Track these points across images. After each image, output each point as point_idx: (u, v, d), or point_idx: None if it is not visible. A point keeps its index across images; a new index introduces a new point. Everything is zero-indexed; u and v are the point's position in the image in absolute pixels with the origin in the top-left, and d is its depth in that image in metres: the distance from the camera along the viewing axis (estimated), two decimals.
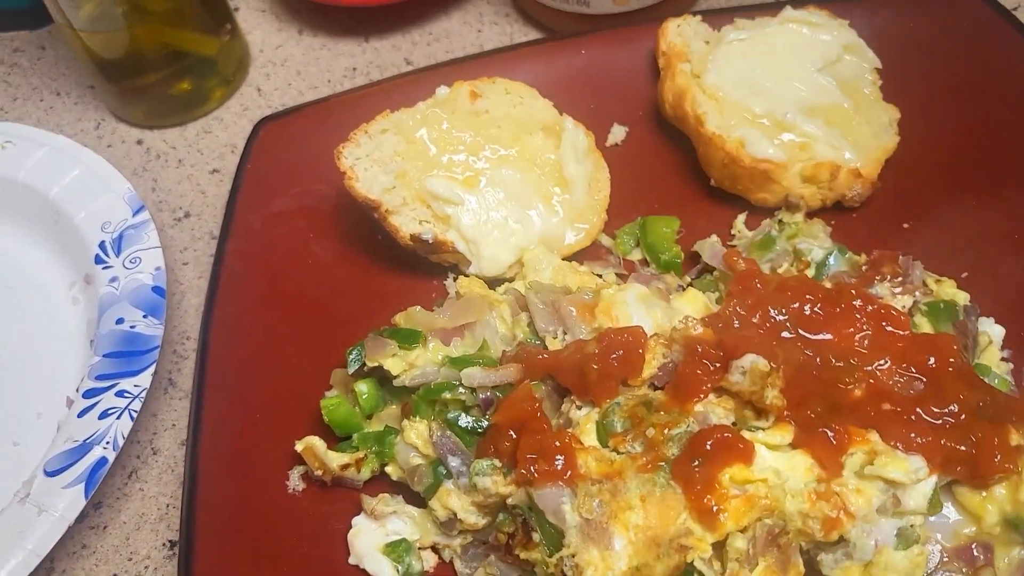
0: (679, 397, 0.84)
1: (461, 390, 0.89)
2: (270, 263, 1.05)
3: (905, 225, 1.03)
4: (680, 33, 1.12)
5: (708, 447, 0.78)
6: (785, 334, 0.87)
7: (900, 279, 0.91)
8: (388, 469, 0.92)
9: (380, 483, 0.93)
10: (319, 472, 0.91)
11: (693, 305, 0.93)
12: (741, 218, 1.06)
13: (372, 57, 1.34)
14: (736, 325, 0.88)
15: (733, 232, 1.06)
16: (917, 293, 0.91)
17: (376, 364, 0.92)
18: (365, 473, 0.92)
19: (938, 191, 1.04)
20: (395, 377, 0.91)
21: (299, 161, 1.11)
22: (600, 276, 1.02)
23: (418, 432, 0.89)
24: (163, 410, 1.07)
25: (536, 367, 0.88)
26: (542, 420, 0.85)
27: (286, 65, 1.35)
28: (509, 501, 0.83)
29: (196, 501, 0.90)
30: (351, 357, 0.93)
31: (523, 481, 0.82)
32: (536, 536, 0.81)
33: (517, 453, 0.83)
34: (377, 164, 1.00)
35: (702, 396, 0.83)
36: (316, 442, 0.91)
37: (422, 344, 0.92)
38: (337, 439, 0.94)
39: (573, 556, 0.78)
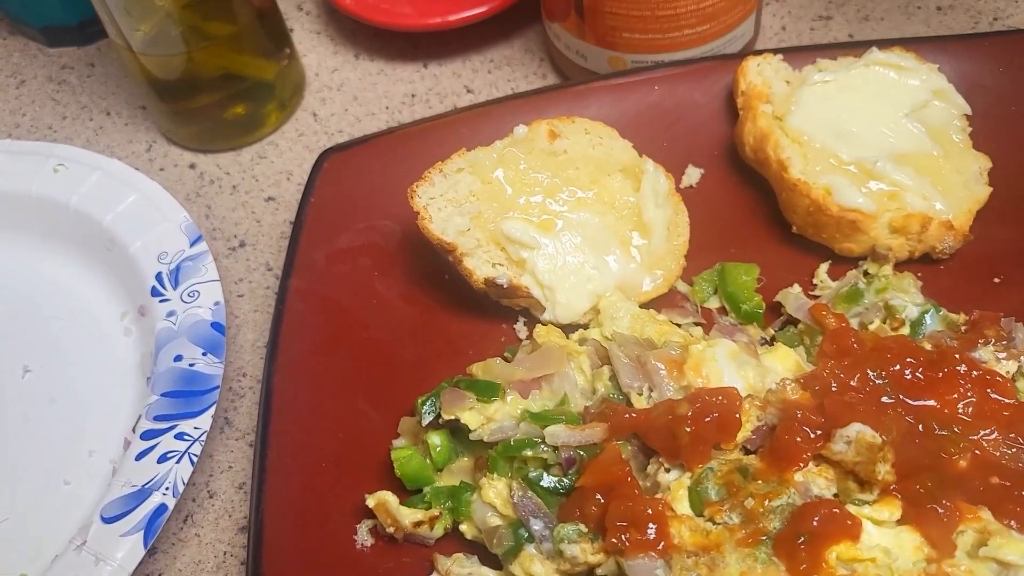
0: (777, 465, 0.80)
1: (543, 448, 0.85)
2: (334, 302, 1.02)
3: (996, 280, 0.99)
4: (760, 72, 1.08)
5: (815, 523, 0.74)
6: (885, 399, 0.83)
7: (1004, 343, 0.88)
8: (462, 528, 0.88)
9: (452, 541, 0.89)
10: (391, 528, 0.87)
11: (784, 363, 0.89)
12: (824, 267, 1.02)
13: (431, 84, 1.30)
14: (834, 388, 0.84)
15: (815, 282, 1.02)
16: (1022, 359, 0.87)
17: (452, 417, 0.88)
18: (438, 530, 0.88)
19: None
20: (472, 431, 0.88)
21: (364, 195, 1.08)
22: (679, 325, 0.98)
23: (497, 491, 0.85)
24: (219, 451, 1.03)
25: (623, 426, 0.84)
26: (632, 485, 0.81)
27: (342, 90, 1.31)
28: (598, 572, 0.79)
29: (263, 556, 0.86)
30: (424, 408, 0.90)
31: (613, 550, 0.78)
32: None
33: (606, 519, 0.79)
34: (452, 204, 0.97)
35: (802, 465, 0.79)
36: (389, 497, 0.87)
37: (500, 397, 0.89)
38: (406, 491, 0.91)
39: None
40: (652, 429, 0.83)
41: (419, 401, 0.91)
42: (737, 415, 0.81)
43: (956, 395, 0.83)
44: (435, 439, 0.90)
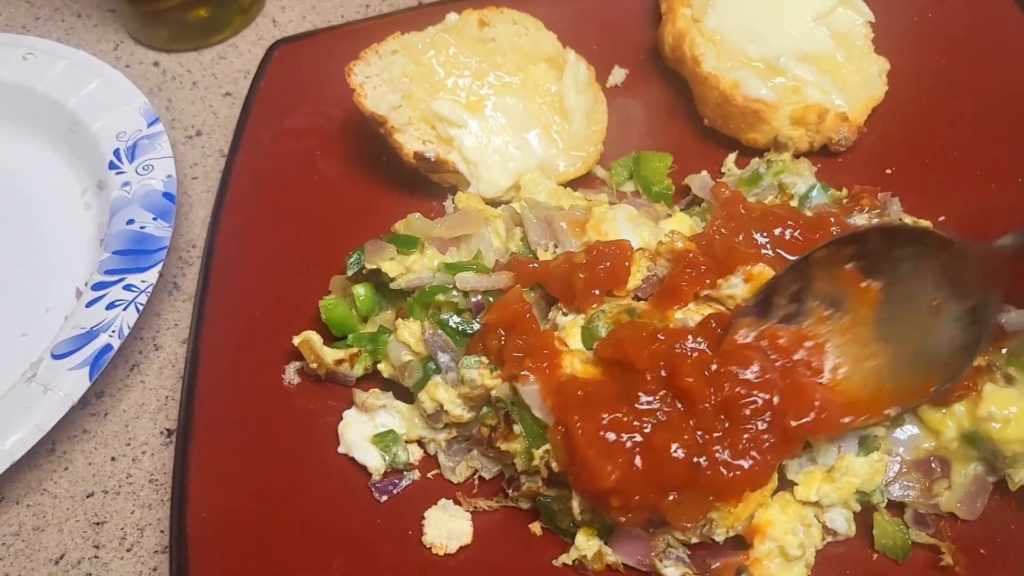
0: (661, 305, 0.88)
1: (455, 293, 0.93)
2: (277, 177, 1.10)
3: (888, 171, 1.07)
4: None
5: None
6: (765, 252, 0.91)
7: (878, 211, 0.96)
8: (380, 367, 0.96)
9: (372, 380, 0.97)
10: (314, 366, 0.95)
11: (680, 226, 0.97)
12: (731, 157, 1.10)
13: None
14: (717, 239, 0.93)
15: (723, 170, 1.10)
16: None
17: (374, 267, 0.96)
18: (358, 369, 0.96)
19: (921, 140, 1.08)
20: (392, 280, 0.96)
21: (310, 83, 1.16)
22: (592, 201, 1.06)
23: (411, 331, 0.93)
24: (167, 310, 1.11)
25: (527, 275, 0.93)
26: (530, 321, 0.89)
27: None
28: (493, 394, 0.87)
29: (195, 391, 0.94)
30: (350, 260, 0.98)
31: (508, 376, 0.86)
32: (517, 429, 0.86)
33: (504, 350, 0.87)
34: (386, 83, 1.05)
35: (682, 304, 0.88)
36: (313, 336, 0.95)
37: (419, 250, 0.97)
38: (334, 340, 0.99)
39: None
40: (552, 277, 0.91)
41: (347, 256, 0.99)
42: (627, 263, 0.90)
43: None
44: (359, 290, 0.98)
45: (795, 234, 0.92)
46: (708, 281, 0.89)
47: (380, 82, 1.05)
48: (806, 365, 0.84)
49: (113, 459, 1.01)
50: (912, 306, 0.85)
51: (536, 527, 0.89)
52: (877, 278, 0.85)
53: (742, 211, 0.95)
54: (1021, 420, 0.82)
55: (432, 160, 1.04)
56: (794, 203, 1.01)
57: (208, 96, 1.29)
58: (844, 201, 1.00)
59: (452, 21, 1.07)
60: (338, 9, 1.37)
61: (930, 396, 0.83)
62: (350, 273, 0.98)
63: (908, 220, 0.99)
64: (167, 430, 1.02)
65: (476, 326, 0.92)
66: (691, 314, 0.87)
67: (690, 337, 0.83)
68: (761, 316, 0.85)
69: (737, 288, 0.88)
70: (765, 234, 0.93)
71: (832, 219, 0.93)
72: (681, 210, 1.05)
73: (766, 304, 0.85)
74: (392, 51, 1.06)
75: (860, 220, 0.95)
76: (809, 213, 0.96)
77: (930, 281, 0.84)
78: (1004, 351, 0.87)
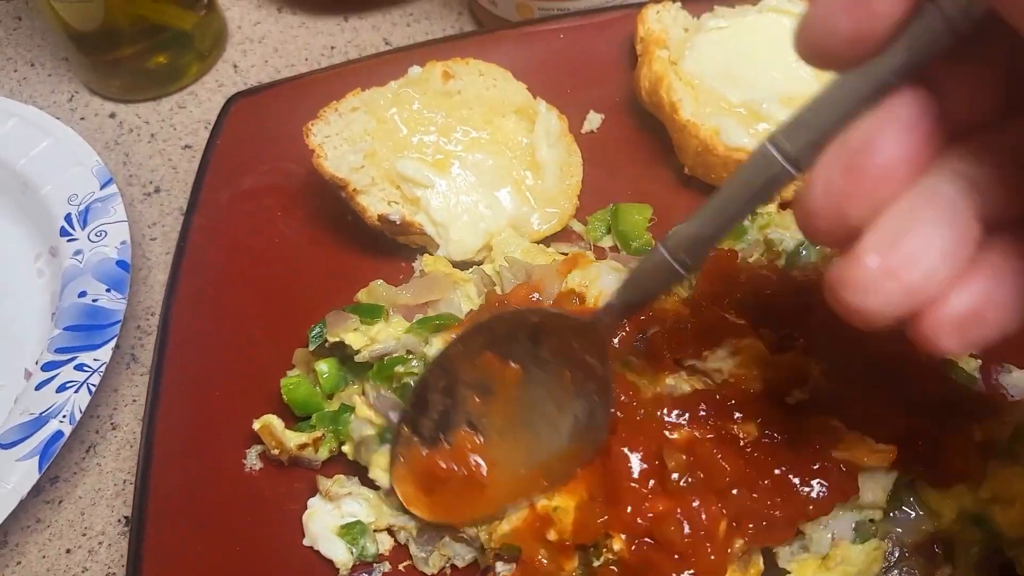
0: (652, 366, 0.83)
1: (414, 363, 0.88)
2: (236, 240, 1.04)
3: None
4: (659, 19, 1.11)
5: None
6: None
7: None
8: (345, 449, 0.91)
9: (338, 464, 0.92)
10: (276, 451, 0.90)
11: None
12: None
13: (351, 36, 1.33)
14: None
15: None
16: None
17: (337, 340, 0.91)
18: (323, 453, 0.91)
19: None
20: (356, 352, 0.90)
21: (270, 138, 1.10)
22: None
23: (367, 402, 0.88)
24: (124, 385, 1.06)
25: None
26: None
27: (264, 42, 1.33)
28: None
29: (150, 477, 0.88)
30: (312, 334, 0.92)
31: None
32: None
33: None
34: (347, 143, 0.99)
35: (669, 371, 0.82)
36: (274, 421, 0.90)
37: (384, 319, 0.92)
38: (297, 419, 0.93)
39: None
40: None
41: (309, 330, 0.93)
42: None
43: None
44: (322, 366, 0.92)
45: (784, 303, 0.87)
46: (691, 351, 0.84)
47: (340, 141, 0.99)
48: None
49: (68, 551, 0.95)
50: (549, 385, 0.81)
51: None
52: (516, 360, 0.82)
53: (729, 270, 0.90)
54: None
55: (398, 223, 0.98)
56: (781, 261, 0.95)
57: (167, 149, 1.24)
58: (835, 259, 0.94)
59: (415, 74, 1.01)
60: (302, 52, 1.32)
61: (588, 459, 0.79)
62: (312, 347, 0.92)
63: None
64: (125, 518, 0.97)
65: None
66: (680, 381, 0.82)
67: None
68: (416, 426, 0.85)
69: (724, 363, 0.82)
70: (755, 302, 0.88)
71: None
72: None
73: (421, 407, 0.85)
74: (352, 108, 1.00)
75: None
76: (796, 273, 0.91)
77: (561, 358, 0.80)
78: (1006, 423, 0.82)
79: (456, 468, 0.83)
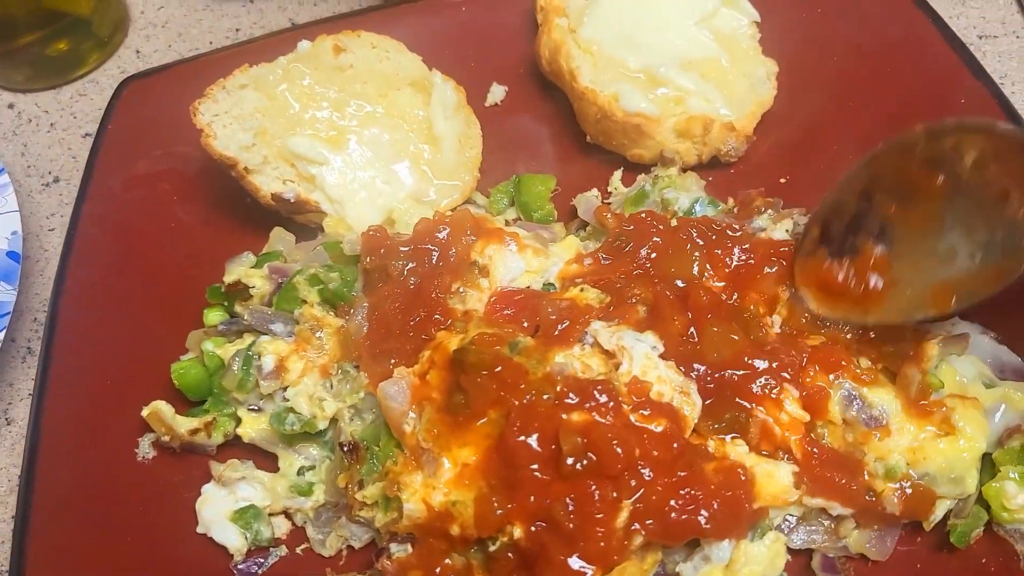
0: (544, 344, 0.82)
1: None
2: (129, 227, 1.01)
3: (782, 180, 1.02)
4: None
5: None
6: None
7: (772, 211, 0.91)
8: (240, 431, 0.88)
9: (234, 448, 0.90)
10: (167, 438, 0.87)
11: (568, 251, 0.91)
12: (617, 174, 1.04)
13: (256, 18, 1.30)
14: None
15: (610, 189, 1.04)
16: (795, 217, 0.91)
17: (234, 280, 0.91)
18: (217, 438, 0.88)
19: (815, 145, 1.02)
20: (253, 289, 0.91)
21: (164, 122, 1.07)
22: None
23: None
24: (20, 379, 1.03)
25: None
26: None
27: (167, 27, 1.30)
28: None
29: (35, 472, 0.85)
30: (210, 288, 0.94)
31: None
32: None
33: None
34: (236, 121, 0.97)
35: (566, 347, 0.81)
36: (163, 407, 0.87)
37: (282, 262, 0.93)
38: (192, 405, 0.91)
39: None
40: None
41: (209, 287, 0.94)
42: None
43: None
44: (208, 345, 0.90)
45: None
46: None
47: (230, 120, 0.97)
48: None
49: None
50: (980, 195, 0.79)
51: None
52: (942, 171, 0.80)
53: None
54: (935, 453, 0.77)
55: (292, 201, 0.96)
56: (673, 221, 0.94)
57: (67, 138, 1.21)
58: (735, 210, 0.94)
59: (304, 49, 0.99)
60: (206, 36, 1.29)
61: (1001, 285, 0.76)
62: (210, 306, 0.93)
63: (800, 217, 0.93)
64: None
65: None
66: (571, 358, 0.80)
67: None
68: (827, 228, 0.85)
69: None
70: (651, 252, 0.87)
71: (729, 228, 0.87)
72: (573, 232, 0.98)
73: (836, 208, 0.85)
74: (241, 85, 0.98)
75: (762, 222, 0.89)
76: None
77: (995, 169, 0.78)
78: None
79: (852, 284, 0.83)
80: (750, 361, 0.81)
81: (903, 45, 1.06)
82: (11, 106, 1.25)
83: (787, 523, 0.80)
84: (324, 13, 1.29)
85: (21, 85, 1.26)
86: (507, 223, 1.00)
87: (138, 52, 1.28)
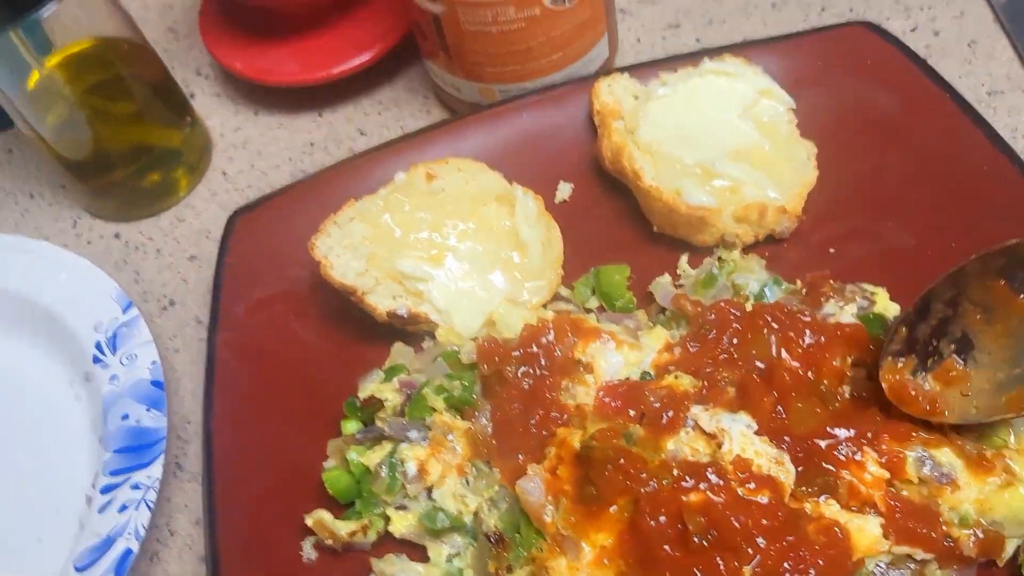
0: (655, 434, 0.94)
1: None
2: (258, 348, 1.14)
3: (831, 250, 1.14)
4: (611, 91, 1.22)
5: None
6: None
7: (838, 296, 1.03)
8: (391, 528, 1.01)
9: (387, 543, 1.02)
10: (330, 541, 1.00)
11: (657, 342, 1.04)
12: (684, 258, 1.16)
13: (327, 131, 1.42)
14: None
15: (679, 272, 1.16)
16: (859, 300, 1.03)
17: (368, 395, 1.04)
18: (371, 536, 1.01)
19: (857, 216, 1.15)
20: (386, 400, 1.03)
21: (273, 247, 1.20)
22: None
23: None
24: (175, 493, 1.15)
25: None
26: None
27: (247, 147, 1.43)
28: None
29: None
30: (347, 403, 1.06)
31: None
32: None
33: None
34: (348, 250, 1.09)
35: (672, 433, 0.94)
36: (325, 515, 1.00)
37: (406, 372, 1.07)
38: (341, 505, 1.04)
39: None
40: None
41: (345, 402, 1.07)
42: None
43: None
44: (352, 454, 1.03)
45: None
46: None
47: (342, 250, 1.10)
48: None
49: None
50: None
51: None
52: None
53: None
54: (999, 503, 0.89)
55: (405, 316, 1.09)
56: (748, 304, 1.07)
57: (174, 263, 1.33)
58: (803, 291, 1.06)
59: (401, 180, 1.12)
60: (284, 151, 1.41)
61: None
62: (348, 420, 1.06)
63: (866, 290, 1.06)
64: None
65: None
66: (681, 444, 0.93)
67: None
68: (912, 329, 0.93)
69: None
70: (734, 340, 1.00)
71: (801, 313, 1.00)
72: (656, 324, 1.10)
73: (923, 311, 0.93)
74: (350, 219, 1.11)
75: (831, 310, 1.02)
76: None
77: None
78: None
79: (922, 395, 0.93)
80: (832, 430, 0.94)
81: (917, 112, 1.19)
82: (117, 235, 1.37)
83: (879, 568, 0.92)
84: (388, 121, 1.42)
85: (119, 214, 1.39)
86: (593, 313, 1.13)
87: (224, 173, 1.41)
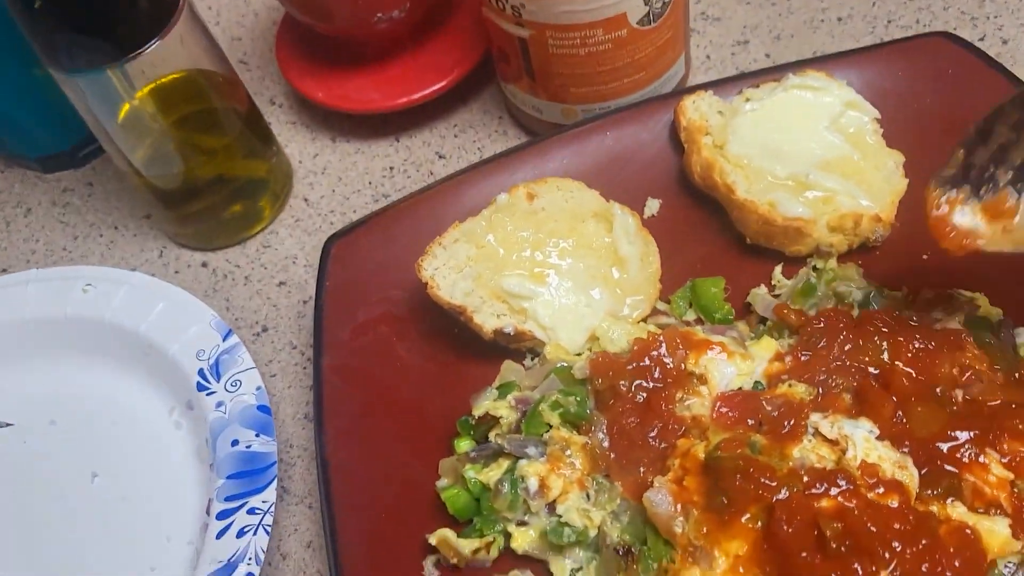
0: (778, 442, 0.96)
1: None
2: (363, 371, 1.15)
3: (924, 256, 1.16)
4: (696, 109, 1.24)
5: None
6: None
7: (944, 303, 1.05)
8: (513, 545, 1.02)
9: (507, 559, 1.03)
10: (454, 560, 1.01)
11: (767, 351, 1.06)
12: (778, 269, 1.18)
13: (406, 155, 1.44)
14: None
15: (773, 282, 1.18)
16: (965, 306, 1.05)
17: (483, 413, 1.06)
18: (494, 553, 1.02)
19: None
20: (501, 418, 1.05)
21: (371, 271, 1.21)
22: None
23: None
24: (283, 516, 1.16)
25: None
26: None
27: (327, 173, 1.45)
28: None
29: None
30: (461, 421, 1.09)
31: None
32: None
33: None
34: (454, 271, 1.11)
35: (797, 441, 0.95)
36: (448, 534, 1.01)
37: (518, 390, 1.08)
38: (459, 523, 1.05)
39: None
40: None
41: (459, 420, 1.09)
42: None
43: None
44: (470, 472, 1.04)
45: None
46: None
47: (448, 271, 1.11)
48: None
49: None
50: None
51: None
52: None
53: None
54: None
55: (512, 334, 1.10)
56: (855, 312, 1.08)
57: (264, 289, 1.35)
58: (909, 299, 1.08)
59: (503, 201, 1.14)
60: (364, 176, 1.43)
61: None
62: (462, 438, 1.08)
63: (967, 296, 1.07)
64: None
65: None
66: (806, 452, 0.94)
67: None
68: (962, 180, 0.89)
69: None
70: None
71: (910, 320, 1.02)
72: (758, 335, 1.12)
73: (984, 135, 0.88)
74: (454, 240, 1.12)
75: (938, 315, 1.04)
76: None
77: None
78: None
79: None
80: (952, 433, 0.96)
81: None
82: (204, 264, 1.39)
83: (1008, 568, 0.93)
84: (465, 143, 1.44)
85: (204, 244, 1.41)
86: (693, 325, 1.15)
87: (306, 199, 1.43)
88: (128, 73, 1.19)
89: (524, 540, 1.02)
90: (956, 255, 0.92)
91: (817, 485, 0.91)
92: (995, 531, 0.91)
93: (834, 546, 0.87)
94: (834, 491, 0.90)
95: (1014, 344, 1.05)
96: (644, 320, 1.15)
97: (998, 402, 0.98)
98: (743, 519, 0.91)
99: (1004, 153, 0.88)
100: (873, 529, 0.87)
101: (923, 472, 0.94)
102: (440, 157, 1.43)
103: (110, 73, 1.17)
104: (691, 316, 1.17)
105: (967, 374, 0.99)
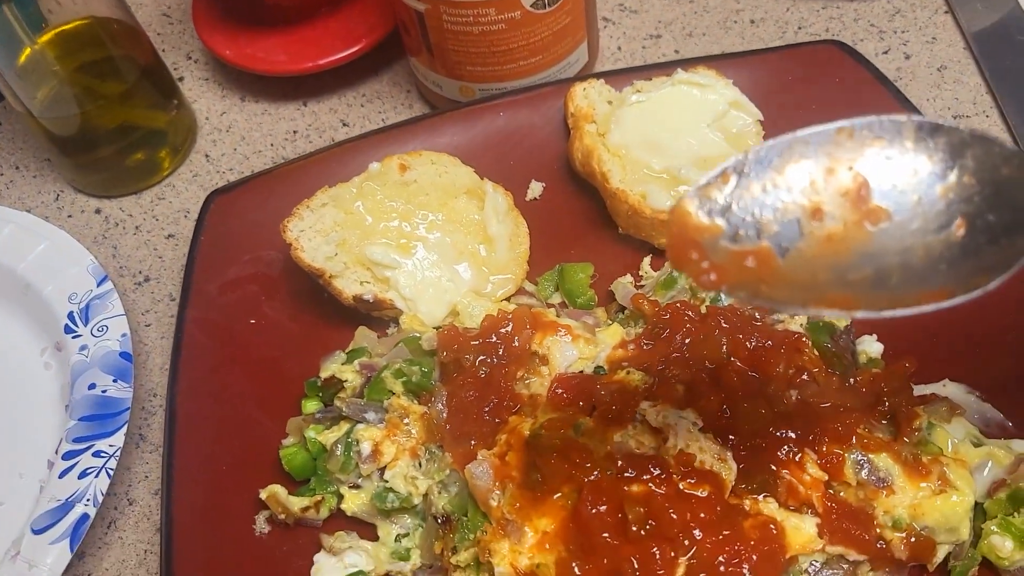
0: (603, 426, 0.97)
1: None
2: (226, 327, 1.16)
3: None
4: (586, 96, 1.25)
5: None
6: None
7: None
8: (343, 506, 1.04)
9: (338, 520, 1.05)
10: (282, 516, 1.03)
11: (613, 338, 1.07)
12: (647, 260, 1.19)
13: (311, 120, 1.45)
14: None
15: (641, 273, 1.19)
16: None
17: (329, 375, 1.08)
18: (324, 512, 1.04)
19: None
20: (347, 383, 1.06)
21: (248, 230, 1.22)
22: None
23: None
24: (136, 463, 1.17)
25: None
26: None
27: (231, 131, 1.45)
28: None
29: (173, 549, 1.01)
30: (308, 382, 1.10)
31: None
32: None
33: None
34: (319, 235, 1.12)
35: (621, 427, 0.97)
36: (278, 489, 1.03)
37: (369, 358, 1.09)
38: (297, 483, 1.06)
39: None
40: None
41: (307, 381, 1.11)
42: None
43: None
44: (310, 432, 1.05)
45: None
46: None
47: (313, 234, 1.12)
48: None
49: None
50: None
51: None
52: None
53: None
54: (932, 509, 0.92)
55: (371, 301, 1.11)
56: (703, 307, 1.09)
57: (152, 240, 1.36)
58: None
59: (375, 169, 1.14)
60: (267, 138, 1.44)
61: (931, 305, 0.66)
62: (308, 398, 1.09)
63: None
64: None
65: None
66: (627, 437, 0.96)
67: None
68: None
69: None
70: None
71: (753, 319, 1.03)
72: (613, 317, 1.14)
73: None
74: (322, 204, 1.13)
75: (780, 316, 1.05)
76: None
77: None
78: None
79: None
80: (775, 432, 0.97)
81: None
82: (98, 211, 1.40)
83: (812, 566, 0.95)
84: (371, 113, 1.45)
85: (101, 191, 1.41)
86: (555, 308, 1.16)
87: (207, 156, 1.43)
88: (27, 14, 1.20)
89: (355, 503, 1.03)
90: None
91: (629, 470, 0.92)
92: (801, 528, 0.93)
93: (635, 529, 0.89)
94: (645, 477, 0.92)
95: (854, 351, 1.06)
96: (508, 299, 1.17)
97: (828, 405, 0.99)
98: (554, 497, 0.93)
99: (779, 199, 0.73)
100: (675, 516, 0.89)
101: (742, 467, 0.96)
102: (344, 125, 1.44)
103: (7, 11, 1.18)
104: (557, 299, 1.19)
105: (802, 375, 1.01)
